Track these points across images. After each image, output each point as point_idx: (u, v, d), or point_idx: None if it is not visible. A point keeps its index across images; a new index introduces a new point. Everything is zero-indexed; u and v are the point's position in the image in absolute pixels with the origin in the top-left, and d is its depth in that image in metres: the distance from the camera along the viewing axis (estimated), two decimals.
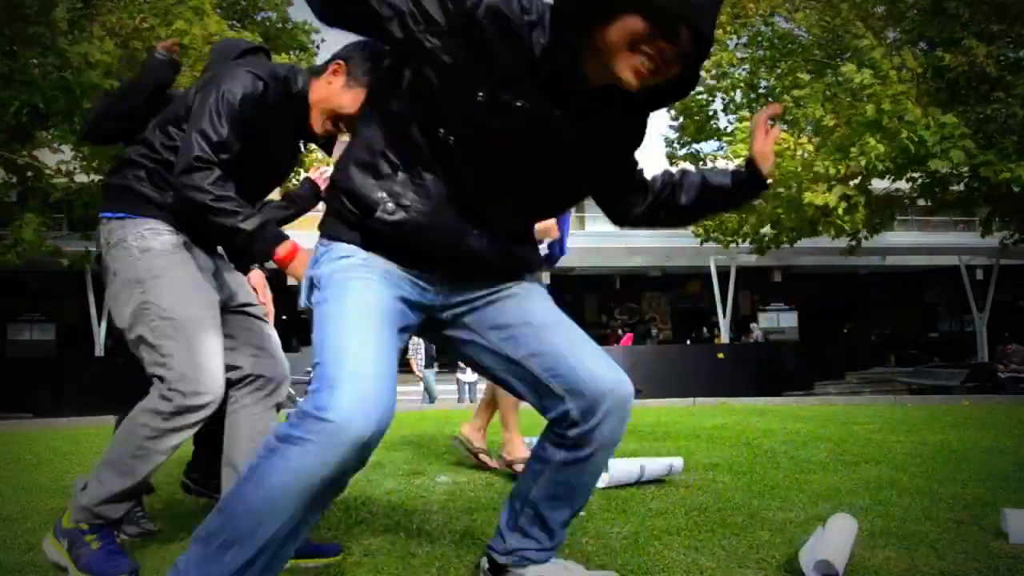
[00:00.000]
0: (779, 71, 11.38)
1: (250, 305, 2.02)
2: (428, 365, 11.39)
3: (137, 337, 1.76)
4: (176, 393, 1.70)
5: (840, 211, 9.50)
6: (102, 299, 14.43)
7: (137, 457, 1.72)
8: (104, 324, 14.46)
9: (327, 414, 1.17)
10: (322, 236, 1.43)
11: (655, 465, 2.72)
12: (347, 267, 1.35)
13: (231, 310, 1.97)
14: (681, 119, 12.91)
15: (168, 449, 1.75)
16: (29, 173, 9.91)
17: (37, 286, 15.76)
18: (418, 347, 11.35)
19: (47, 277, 12.70)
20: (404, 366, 12.74)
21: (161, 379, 1.72)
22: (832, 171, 9.38)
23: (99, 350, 14.37)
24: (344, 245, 1.37)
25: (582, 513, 2.25)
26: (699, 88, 12.52)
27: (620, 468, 2.62)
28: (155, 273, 1.75)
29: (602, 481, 2.54)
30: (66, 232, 11.35)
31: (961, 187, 10.40)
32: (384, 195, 1.32)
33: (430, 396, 11.44)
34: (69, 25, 8.08)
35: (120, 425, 1.83)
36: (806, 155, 9.89)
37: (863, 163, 9.12)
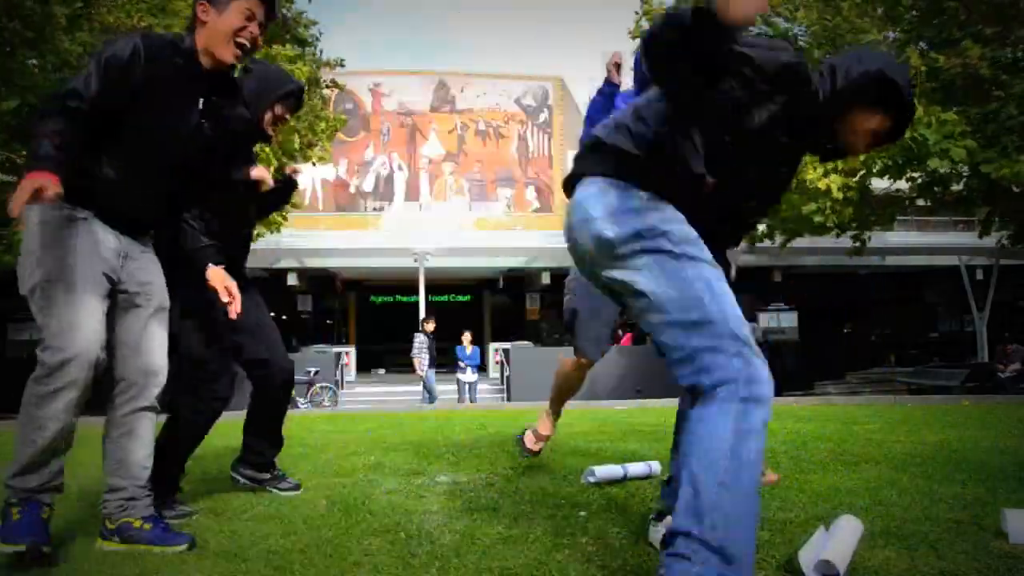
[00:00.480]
0: None
1: (140, 296, 2.06)
2: (430, 365, 11.39)
3: (32, 304, 1.90)
4: (49, 350, 1.84)
5: (837, 195, 9.48)
6: None
7: (31, 427, 1.85)
8: None
9: (764, 377, 1.42)
10: (604, 175, 1.58)
11: (636, 468, 2.88)
12: (672, 218, 1.53)
13: (121, 296, 2.03)
14: None
15: (55, 414, 1.85)
16: None
17: None
18: (423, 347, 11.34)
19: None
20: (407, 366, 12.76)
21: (42, 340, 1.86)
22: (829, 165, 9.40)
23: None
24: (642, 192, 1.55)
25: (582, 513, 2.26)
26: None
27: (605, 470, 2.80)
28: (45, 243, 1.88)
29: (591, 477, 2.76)
30: None
31: (961, 186, 10.40)
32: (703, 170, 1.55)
33: (431, 396, 11.44)
34: (68, 22, 8.05)
35: None
36: None
37: (862, 158, 9.13)
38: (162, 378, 2.08)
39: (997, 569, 1.64)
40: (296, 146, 11.10)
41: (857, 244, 11.57)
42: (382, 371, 19.72)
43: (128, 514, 2.00)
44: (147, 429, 2.06)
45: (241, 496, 2.65)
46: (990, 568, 1.65)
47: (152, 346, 2.06)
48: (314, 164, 11.40)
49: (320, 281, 19.09)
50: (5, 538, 1.81)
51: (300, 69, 10.40)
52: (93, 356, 1.87)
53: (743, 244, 12.23)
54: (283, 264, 16.50)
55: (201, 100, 2.08)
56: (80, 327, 1.85)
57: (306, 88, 11.97)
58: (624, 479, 2.79)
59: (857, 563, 1.68)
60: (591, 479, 2.74)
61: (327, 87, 12.52)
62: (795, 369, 15.30)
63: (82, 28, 8.31)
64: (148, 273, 2.09)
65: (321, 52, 12.44)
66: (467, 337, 12.26)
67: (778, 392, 11.18)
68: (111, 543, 1.98)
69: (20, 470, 1.87)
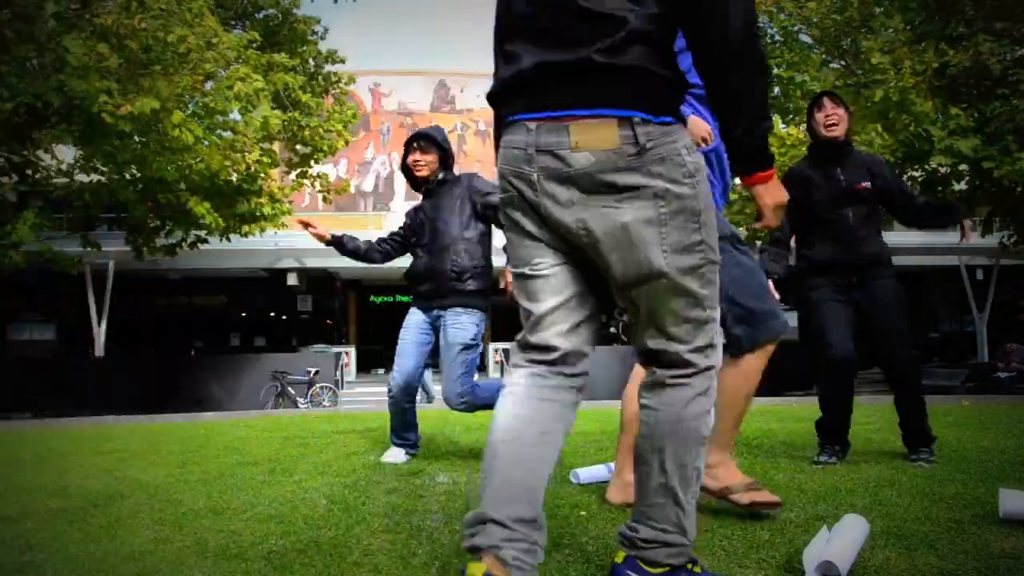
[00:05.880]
0: (784, 63, 11.28)
1: None
2: (426, 365, 11.36)
3: (680, 287, 1.40)
4: (712, 351, 1.46)
5: None
6: (102, 299, 14.41)
7: (699, 456, 1.48)
8: (104, 324, 14.45)
9: None
10: None
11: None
12: None
13: None
14: None
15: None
16: (28, 171, 9.91)
17: (37, 286, 15.77)
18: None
19: (47, 277, 12.71)
20: None
21: (691, 339, 1.44)
22: None
23: (99, 350, 14.37)
24: None
25: (582, 513, 2.26)
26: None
27: (589, 471, 2.79)
28: (708, 203, 1.42)
29: (575, 479, 2.76)
30: (66, 233, 11.35)
31: (963, 185, 10.39)
32: None
33: (427, 396, 11.43)
34: (58, 20, 8.02)
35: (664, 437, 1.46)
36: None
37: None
38: None
39: (997, 569, 1.64)
40: (338, 145, 11.39)
41: None
42: (382, 371, 19.71)
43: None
44: None
45: (241, 496, 2.65)
46: (990, 568, 1.64)
47: None
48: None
49: (320, 281, 19.08)
50: None
51: (294, 78, 10.41)
52: None
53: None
54: (283, 264, 16.49)
55: None
56: None
57: (310, 91, 11.96)
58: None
59: (857, 563, 1.67)
60: (576, 481, 2.74)
61: (334, 83, 12.54)
62: (795, 369, 15.27)
63: (83, 29, 8.29)
64: None
65: (320, 59, 12.44)
66: None
67: (778, 392, 11.15)
68: None
69: (688, 518, 1.46)
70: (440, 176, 3.45)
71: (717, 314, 1.47)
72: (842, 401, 3.20)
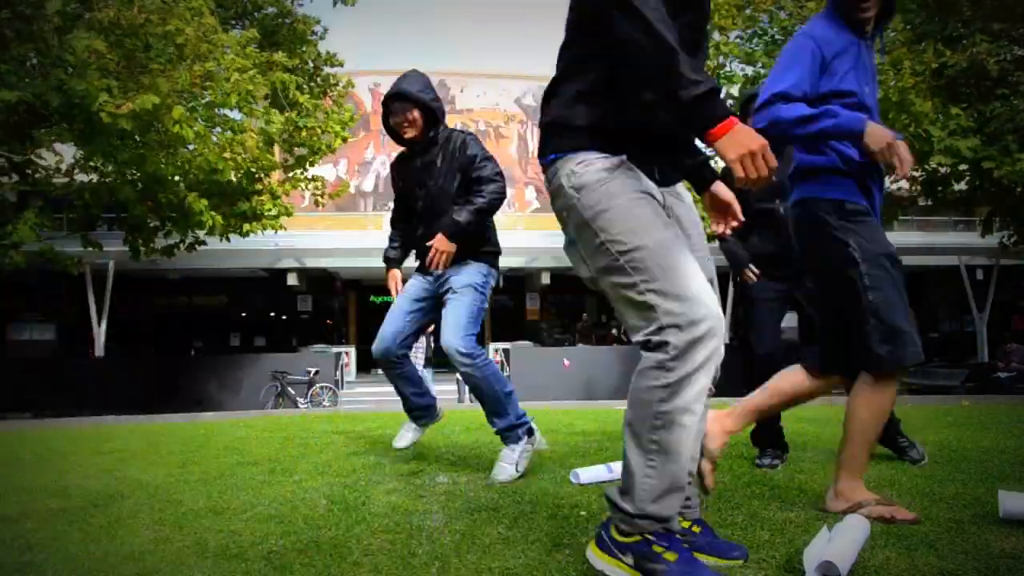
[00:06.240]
0: None
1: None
2: (426, 365, 11.36)
3: (610, 283, 1.60)
4: (672, 329, 1.49)
5: None
6: (102, 299, 14.42)
7: (659, 428, 1.50)
8: (104, 324, 14.45)
9: None
10: None
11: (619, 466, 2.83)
12: None
13: None
14: None
15: (692, 405, 1.50)
16: (28, 170, 9.90)
17: (37, 286, 15.77)
18: (418, 347, 11.31)
19: (47, 277, 12.71)
20: None
21: (646, 324, 1.53)
22: None
23: (99, 350, 14.37)
24: None
25: (582, 513, 2.26)
26: None
27: (590, 472, 2.80)
28: (600, 208, 1.57)
29: (575, 479, 2.78)
30: (66, 233, 11.36)
31: (963, 185, 10.40)
32: None
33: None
34: (62, 19, 8.01)
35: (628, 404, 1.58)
36: None
37: None
38: None
39: (997, 569, 1.64)
40: (336, 144, 11.41)
41: None
42: (382, 371, 19.74)
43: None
44: None
45: (241, 496, 2.65)
46: (990, 568, 1.64)
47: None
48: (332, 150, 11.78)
49: (320, 281, 19.09)
50: None
51: (290, 79, 10.40)
52: (720, 320, 1.55)
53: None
54: (283, 264, 16.49)
55: None
56: (693, 290, 1.52)
57: (308, 89, 11.96)
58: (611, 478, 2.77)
59: (857, 563, 1.67)
60: (576, 481, 2.74)
61: (333, 85, 12.51)
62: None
63: (90, 26, 8.27)
64: (689, 217, 1.86)
65: (320, 60, 12.42)
66: None
67: None
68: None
69: (664, 492, 1.52)
70: (430, 134, 3.04)
71: (658, 298, 1.52)
72: None
